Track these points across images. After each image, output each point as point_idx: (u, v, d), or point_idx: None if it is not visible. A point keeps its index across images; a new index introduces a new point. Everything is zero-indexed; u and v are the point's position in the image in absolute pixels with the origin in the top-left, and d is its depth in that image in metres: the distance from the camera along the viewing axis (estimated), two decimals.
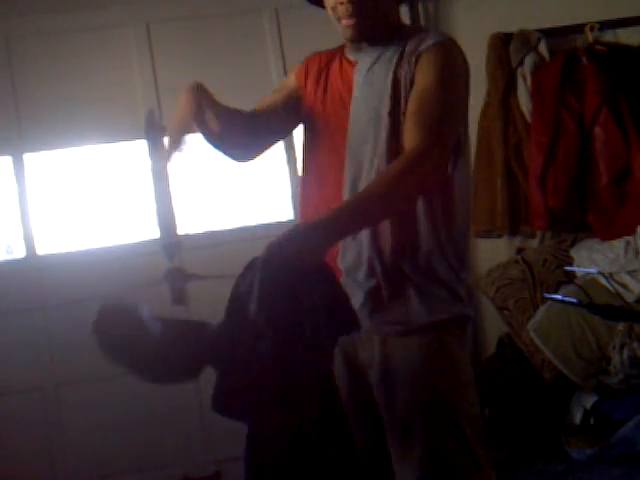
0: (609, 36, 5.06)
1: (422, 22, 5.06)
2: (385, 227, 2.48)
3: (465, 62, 2.62)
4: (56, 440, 4.84)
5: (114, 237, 4.94)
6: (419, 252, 2.49)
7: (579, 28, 5.03)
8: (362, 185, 2.50)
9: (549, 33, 5.01)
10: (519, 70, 4.95)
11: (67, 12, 4.85)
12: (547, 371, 4.59)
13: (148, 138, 4.95)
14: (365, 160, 2.53)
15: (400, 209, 2.46)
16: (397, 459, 2.55)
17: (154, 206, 4.92)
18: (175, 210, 4.93)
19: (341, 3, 2.55)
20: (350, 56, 2.68)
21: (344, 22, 2.58)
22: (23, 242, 4.87)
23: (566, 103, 4.86)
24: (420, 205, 2.48)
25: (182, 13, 4.93)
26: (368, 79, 2.59)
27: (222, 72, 4.86)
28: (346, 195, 2.54)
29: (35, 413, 4.83)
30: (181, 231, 4.99)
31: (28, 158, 4.89)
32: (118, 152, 4.96)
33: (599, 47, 4.97)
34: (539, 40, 4.96)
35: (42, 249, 4.89)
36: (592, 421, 4.46)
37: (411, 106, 2.49)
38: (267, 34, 5.02)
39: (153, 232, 4.93)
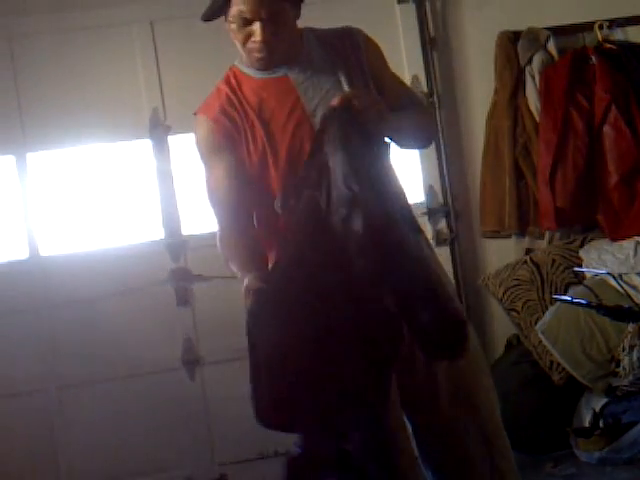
0: (618, 34, 5.04)
1: (429, 21, 5.05)
2: None
3: None
4: (60, 442, 4.82)
5: (118, 237, 4.90)
6: None
7: (588, 26, 5.00)
8: None
9: (558, 31, 4.99)
10: (527, 68, 4.93)
11: (70, 11, 4.83)
12: (556, 374, 4.58)
13: (152, 137, 4.98)
14: None
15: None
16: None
17: (158, 206, 4.93)
18: (180, 210, 4.93)
19: (253, 42, 2.64)
20: (265, 75, 2.72)
21: (256, 55, 2.66)
22: (27, 243, 4.84)
23: (575, 102, 4.83)
24: None
25: (186, 11, 4.88)
26: (318, 83, 2.70)
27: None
28: None
29: (38, 415, 4.81)
30: (186, 231, 5.01)
31: (31, 157, 4.86)
32: (122, 151, 4.93)
33: (608, 45, 4.94)
34: (548, 38, 4.94)
35: (46, 250, 4.86)
36: (601, 423, 4.43)
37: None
38: None
39: (157, 232, 4.91)
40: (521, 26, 4.97)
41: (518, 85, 4.94)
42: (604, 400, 4.47)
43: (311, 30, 2.80)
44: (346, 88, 2.68)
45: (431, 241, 4.49)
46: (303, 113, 2.68)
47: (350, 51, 2.73)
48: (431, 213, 5.00)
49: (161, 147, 4.88)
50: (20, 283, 4.78)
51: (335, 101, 2.53)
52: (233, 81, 2.74)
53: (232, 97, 2.72)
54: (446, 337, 2.40)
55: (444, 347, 2.42)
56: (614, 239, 4.74)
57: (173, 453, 4.85)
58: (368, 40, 2.80)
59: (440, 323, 2.38)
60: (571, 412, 4.62)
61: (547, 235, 4.97)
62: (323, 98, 2.68)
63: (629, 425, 4.36)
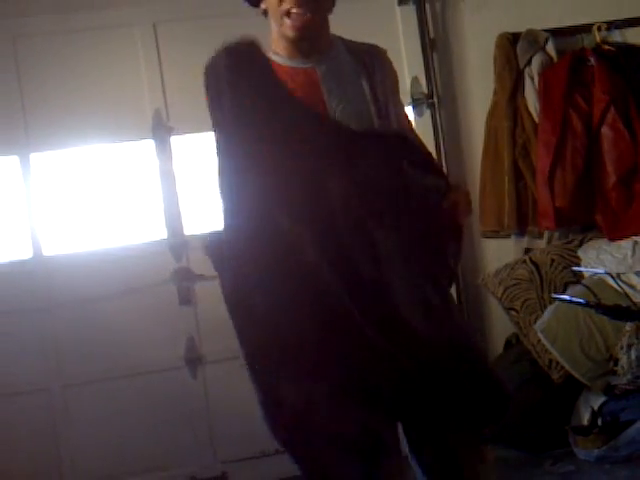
0: (617, 36, 5.06)
1: (429, 22, 5.06)
2: None
3: None
4: (63, 441, 4.83)
5: (121, 237, 4.93)
6: None
7: (587, 28, 5.02)
8: None
9: (557, 33, 5.00)
10: (527, 70, 4.95)
11: (74, 12, 4.84)
12: (555, 372, 4.59)
13: (155, 138, 5.00)
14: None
15: None
16: None
17: (161, 206, 4.95)
18: (182, 210, 4.95)
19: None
20: (294, 64, 2.79)
21: (294, 10, 2.72)
22: (30, 242, 4.86)
23: (574, 103, 4.85)
24: None
25: (189, 13, 4.92)
26: (343, 84, 2.77)
27: None
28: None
29: (42, 413, 4.82)
30: (188, 231, 5.03)
31: (35, 158, 4.88)
32: (125, 152, 4.95)
33: (607, 47, 4.96)
34: (547, 40, 4.95)
35: (49, 250, 4.88)
36: (600, 422, 4.44)
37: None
38: None
39: (160, 232, 4.93)
40: (520, 28, 4.99)
41: (517, 86, 4.96)
42: (602, 398, 4.47)
43: (340, 38, 2.89)
44: (369, 99, 2.76)
45: None
46: (324, 109, 2.74)
47: (376, 68, 2.83)
48: None
49: (164, 148, 4.90)
50: (23, 282, 4.80)
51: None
52: None
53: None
54: (496, 413, 2.55)
55: (490, 420, 2.63)
56: (612, 239, 4.75)
57: (175, 451, 4.86)
58: (391, 65, 2.95)
59: (494, 402, 2.54)
60: (570, 410, 4.62)
61: (546, 235, 4.99)
62: (347, 101, 2.74)
63: (627, 423, 4.36)
